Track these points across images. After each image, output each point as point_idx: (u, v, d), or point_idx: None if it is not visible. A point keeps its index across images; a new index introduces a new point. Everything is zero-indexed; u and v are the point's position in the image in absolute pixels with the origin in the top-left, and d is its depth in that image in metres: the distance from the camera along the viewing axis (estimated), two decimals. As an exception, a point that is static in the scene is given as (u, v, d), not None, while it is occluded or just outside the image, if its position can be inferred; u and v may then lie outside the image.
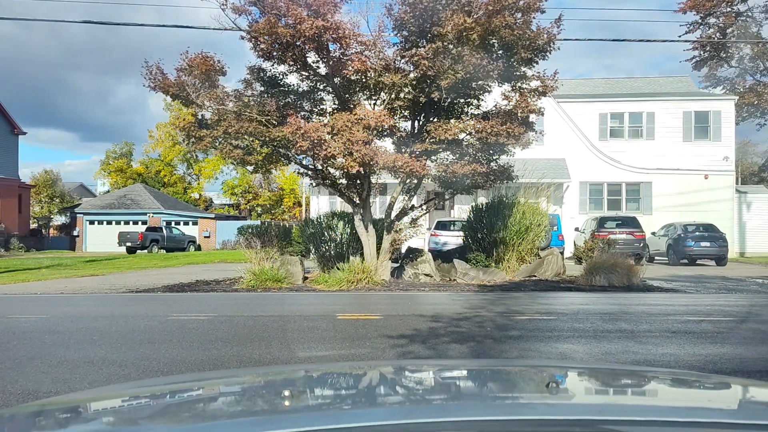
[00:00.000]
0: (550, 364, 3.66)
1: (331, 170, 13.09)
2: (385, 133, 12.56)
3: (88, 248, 39.60)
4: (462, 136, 12.60)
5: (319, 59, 12.03)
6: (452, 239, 18.92)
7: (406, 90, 12.02)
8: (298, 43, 11.30)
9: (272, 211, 54.69)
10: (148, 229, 36.48)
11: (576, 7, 32.13)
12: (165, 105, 51.21)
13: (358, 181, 13.20)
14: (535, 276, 14.19)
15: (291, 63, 12.14)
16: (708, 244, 20.42)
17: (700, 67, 33.91)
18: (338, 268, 12.72)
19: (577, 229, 23.57)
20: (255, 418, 1.38)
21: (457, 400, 1.60)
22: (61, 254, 32.79)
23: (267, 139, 12.04)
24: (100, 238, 39.64)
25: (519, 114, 12.23)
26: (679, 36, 32.08)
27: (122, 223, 40.51)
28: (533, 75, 12.52)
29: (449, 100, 12.64)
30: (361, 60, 11.20)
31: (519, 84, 12.62)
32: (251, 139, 12.39)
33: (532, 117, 12.58)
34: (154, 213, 40.74)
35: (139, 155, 58.01)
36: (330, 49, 11.66)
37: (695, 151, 25.98)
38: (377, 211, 19.96)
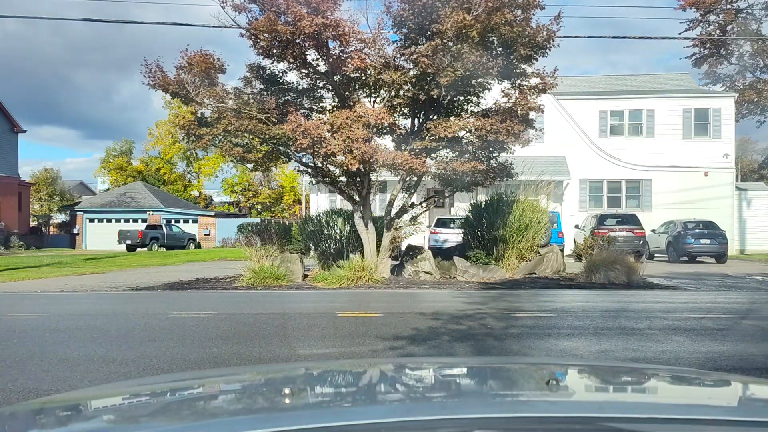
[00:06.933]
0: (550, 361, 3.67)
1: (331, 168, 13.08)
2: (385, 131, 12.55)
3: (88, 246, 39.59)
4: (462, 133, 12.59)
5: (318, 57, 12.02)
6: (452, 237, 18.91)
7: (406, 87, 12.01)
8: (297, 41, 11.29)
9: (272, 209, 54.69)
10: (148, 227, 36.47)
11: (576, 4, 32.11)
12: (164, 103, 51.21)
13: (358, 179, 13.20)
14: (534, 273, 14.19)
15: (291, 60, 12.13)
16: (708, 241, 20.39)
17: (700, 65, 33.85)
18: (338, 266, 12.72)
19: (577, 227, 23.55)
20: (255, 415, 1.38)
21: (458, 397, 1.60)
22: (61, 252, 32.78)
23: (267, 136, 12.04)
24: (100, 236, 39.64)
25: (519, 111, 12.22)
26: (679, 33, 32.06)
27: (122, 221, 40.52)
28: (533, 72, 12.51)
29: (449, 97, 12.63)
30: (361, 57, 11.18)
31: (519, 81, 12.61)
32: (251, 136, 12.38)
33: (532, 114, 12.57)
34: (154, 211, 40.71)
35: (139, 153, 58.00)
36: (329, 46, 11.65)
37: (695, 149, 25.96)
38: (377, 208, 19.95)
